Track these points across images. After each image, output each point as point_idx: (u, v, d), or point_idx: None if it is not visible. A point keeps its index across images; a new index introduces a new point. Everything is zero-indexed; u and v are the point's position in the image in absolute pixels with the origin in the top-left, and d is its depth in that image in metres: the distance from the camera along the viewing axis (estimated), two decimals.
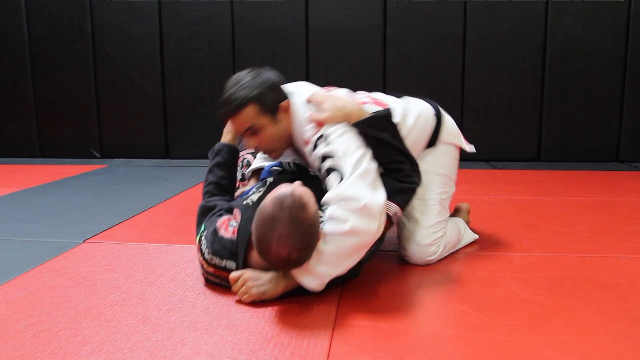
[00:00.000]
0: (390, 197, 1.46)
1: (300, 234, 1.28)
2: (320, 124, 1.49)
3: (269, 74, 1.60)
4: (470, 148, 1.92)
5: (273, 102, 1.56)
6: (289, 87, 1.66)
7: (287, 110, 1.59)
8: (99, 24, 4.37)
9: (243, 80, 1.57)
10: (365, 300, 1.48)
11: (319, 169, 1.49)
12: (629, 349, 1.19)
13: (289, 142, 1.64)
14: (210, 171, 1.77)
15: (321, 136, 1.47)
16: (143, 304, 1.46)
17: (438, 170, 1.80)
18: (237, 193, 1.85)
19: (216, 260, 1.49)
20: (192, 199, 2.82)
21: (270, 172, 1.80)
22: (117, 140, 4.51)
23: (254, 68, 1.62)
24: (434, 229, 1.73)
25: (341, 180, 1.40)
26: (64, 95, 4.48)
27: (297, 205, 1.29)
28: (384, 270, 1.73)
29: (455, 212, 2.11)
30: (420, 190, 1.65)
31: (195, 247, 1.63)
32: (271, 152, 1.65)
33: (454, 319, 1.36)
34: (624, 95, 4.08)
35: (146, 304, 1.46)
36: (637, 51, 4.01)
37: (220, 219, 1.56)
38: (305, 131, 1.53)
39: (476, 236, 1.98)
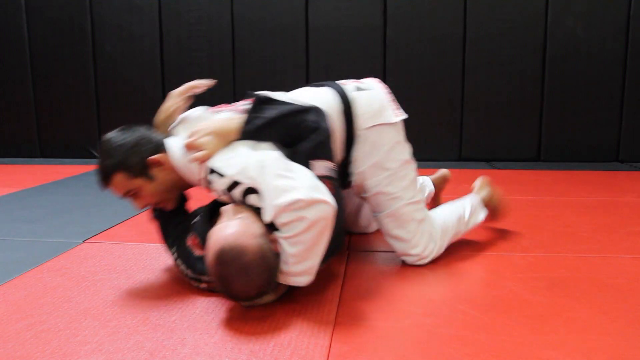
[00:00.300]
0: (312, 157, 1.40)
1: (257, 273, 1.29)
2: (203, 160, 1.40)
3: (132, 134, 1.53)
4: (398, 116, 1.70)
5: (139, 163, 1.50)
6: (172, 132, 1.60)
7: (161, 162, 1.51)
8: (99, 24, 4.37)
9: (106, 147, 1.52)
10: (365, 300, 1.48)
11: (231, 198, 1.39)
12: (629, 349, 1.19)
13: (180, 188, 1.59)
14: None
15: (212, 171, 1.38)
16: (143, 304, 1.46)
17: (383, 165, 1.65)
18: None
19: (206, 277, 1.48)
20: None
21: None
22: None
23: (123, 127, 1.56)
24: (418, 237, 1.69)
25: (259, 194, 1.33)
26: (64, 95, 4.48)
27: (236, 255, 1.26)
28: (384, 270, 1.73)
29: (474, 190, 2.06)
30: (385, 209, 1.67)
31: None
32: (165, 204, 1.59)
33: (454, 319, 1.36)
34: (624, 95, 4.08)
35: (146, 304, 1.46)
36: (637, 51, 4.01)
37: (188, 238, 1.54)
38: (194, 173, 1.45)
39: (482, 215, 1.95)
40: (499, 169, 3.90)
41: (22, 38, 4.43)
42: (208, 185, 1.41)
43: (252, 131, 1.43)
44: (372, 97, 1.69)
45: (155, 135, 1.57)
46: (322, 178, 1.37)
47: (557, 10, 4.02)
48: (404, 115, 1.72)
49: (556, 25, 4.04)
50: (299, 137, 1.42)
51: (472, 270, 1.72)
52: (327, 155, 1.44)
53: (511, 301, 1.47)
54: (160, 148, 1.53)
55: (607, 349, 1.19)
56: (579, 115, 4.13)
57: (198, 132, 1.43)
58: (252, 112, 1.46)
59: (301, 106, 1.48)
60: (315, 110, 1.48)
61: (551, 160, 4.17)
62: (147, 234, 2.16)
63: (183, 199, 1.70)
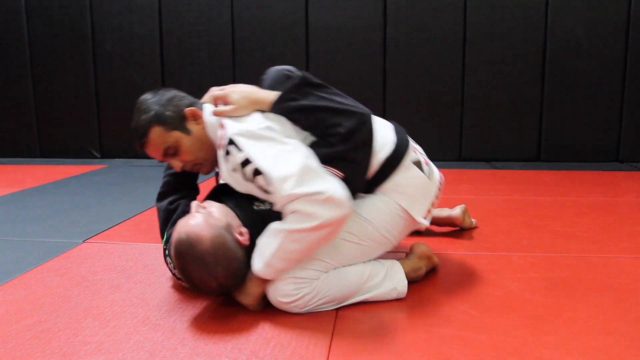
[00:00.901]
0: (325, 163, 1.36)
1: (213, 264, 1.28)
2: (223, 126, 1.40)
3: (165, 93, 1.52)
4: (423, 218, 1.54)
5: (175, 114, 1.48)
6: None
7: (196, 115, 1.49)
8: (99, 24, 4.37)
9: (140, 107, 1.50)
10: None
11: (243, 175, 1.35)
12: (629, 349, 1.19)
13: (214, 153, 1.51)
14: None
15: (230, 140, 1.35)
16: (143, 304, 1.46)
17: (361, 212, 1.46)
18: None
19: None
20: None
21: None
22: (117, 140, 4.50)
23: (155, 89, 1.55)
24: (302, 263, 1.37)
25: (271, 179, 1.29)
26: (64, 95, 4.48)
27: (192, 244, 1.27)
28: None
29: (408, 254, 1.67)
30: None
31: None
32: (200, 167, 1.54)
33: (454, 319, 1.36)
34: (624, 95, 4.08)
35: (146, 304, 1.46)
36: (637, 51, 4.01)
37: None
38: (217, 137, 1.44)
39: (403, 291, 1.49)
40: (499, 169, 3.90)
41: (22, 38, 4.43)
42: (226, 154, 1.37)
43: (282, 110, 1.43)
44: (422, 182, 1.55)
45: (191, 97, 1.57)
46: None
47: (557, 10, 4.02)
48: (427, 224, 1.58)
49: (556, 25, 4.04)
50: (324, 137, 1.41)
51: (472, 270, 1.71)
52: (342, 167, 1.39)
53: (511, 301, 1.47)
54: (196, 104, 1.53)
55: (607, 349, 1.19)
56: (579, 115, 4.13)
57: (231, 88, 1.46)
58: (291, 92, 1.44)
59: (344, 108, 1.42)
60: (359, 117, 1.42)
61: (551, 160, 4.17)
62: (147, 234, 2.16)
63: (194, 192, 1.70)
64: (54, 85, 4.48)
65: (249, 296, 1.38)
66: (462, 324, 1.32)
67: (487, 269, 1.72)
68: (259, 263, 1.33)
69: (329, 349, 1.20)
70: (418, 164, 1.55)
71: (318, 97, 1.44)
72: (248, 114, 1.43)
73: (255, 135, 1.35)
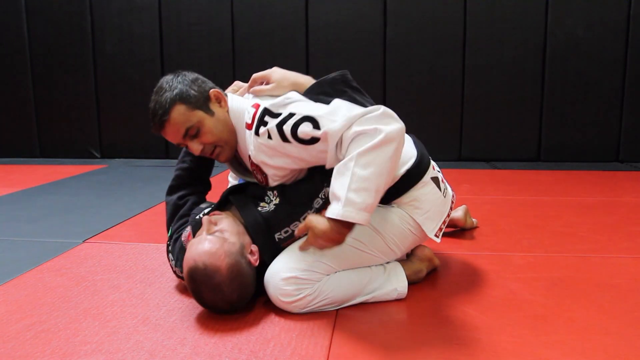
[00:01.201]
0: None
1: (229, 292, 1.30)
2: (257, 105, 1.38)
3: (187, 74, 1.50)
4: (435, 235, 1.53)
5: (199, 94, 1.45)
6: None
7: (220, 98, 1.48)
8: (99, 24, 4.37)
9: (162, 86, 1.46)
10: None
11: (281, 138, 1.31)
12: (629, 349, 1.19)
13: (236, 138, 1.49)
14: (186, 152, 1.68)
15: (265, 109, 1.34)
16: (143, 304, 1.46)
17: (373, 222, 1.39)
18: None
19: None
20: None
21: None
22: (117, 140, 4.50)
23: (176, 72, 1.52)
24: (305, 264, 1.37)
25: (318, 120, 1.27)
26: (64, 95, 4.48)
27: (209, 274, 1.27)
28: None
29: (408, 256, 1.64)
30: None
31: None
32: (220, 152, 1.48)
33: (454, 319, 1.36)
34: (624, 95, 4.08)
35: (146, 304, 1.46)
36: (637, 51, 4.01)
37: (185, 233, 1.52)
38: (245, 116, 1.41)
39: (404, 292, 1.49)
40: (499, 169, 3.90)
41: (22, 38, 4.43)
42: (257, 130, 1.34)
43: (314, 95, 1.44)
44: (438, 199, 1.53)
45: (211, 82, 1.55)
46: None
47: (557, 10, 4.02)
48: (438, 241, 1.56)
49: (556, 25, 4.04)
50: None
51: (472, 270, 1.71)
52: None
53: (511, 301, 1.47)
54: (218, 88, 1.52)
55: (607, 349, 1.19)
56: (579, 115, 4.13)
57: (272, 70, 1.48)
58: (327, 84, 1.45)
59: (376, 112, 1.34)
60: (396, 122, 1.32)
61: (551, 160, 4.17)
62: (147, 234, 2.16)
63: (206, 187, 1.70)
64: (54, 85, 4.48)
65: (330, 242, 1.29)
66: (462, 324, 1.32)
67: (487, 269, 1.72)
68: (337, 207, 1.23)
69: (329, 349, 1.20)
70: (436, 180, 1.54)
71: (351, 97, 1.43)
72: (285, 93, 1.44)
73: (289, 102, 1.36)
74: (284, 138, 1.32)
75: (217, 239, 1.32)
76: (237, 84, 1.64)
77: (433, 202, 1.51)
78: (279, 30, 4.23)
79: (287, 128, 1.30)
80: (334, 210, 1.24)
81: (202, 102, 1.45)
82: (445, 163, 3.86)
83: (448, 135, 4.23)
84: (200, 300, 1.34)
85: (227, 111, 1.48)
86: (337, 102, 1.33)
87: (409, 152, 1.52)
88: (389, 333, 1.29)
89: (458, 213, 2.13)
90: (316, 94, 1.45)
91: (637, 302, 1.45)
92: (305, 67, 4.22)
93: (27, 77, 4.48)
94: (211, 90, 1.48)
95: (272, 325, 1.32)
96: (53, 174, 3.68)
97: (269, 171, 1.42)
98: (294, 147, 1.32)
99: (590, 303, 1.45)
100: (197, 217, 1.51)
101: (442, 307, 1.44)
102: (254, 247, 1.38)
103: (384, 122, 1.24)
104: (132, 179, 3.56)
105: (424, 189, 1.50)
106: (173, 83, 1.45)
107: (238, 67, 4.29)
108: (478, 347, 1.20)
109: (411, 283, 1.52)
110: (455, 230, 2.18)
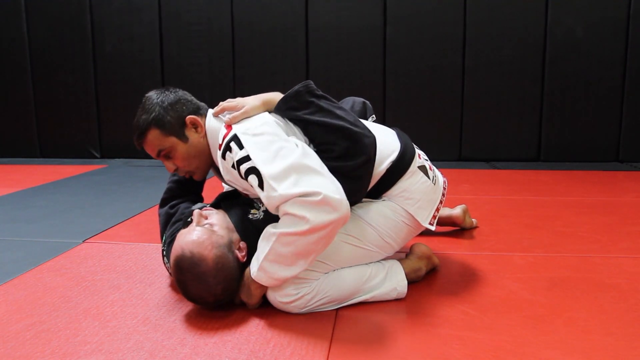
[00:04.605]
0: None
1: (214, 283, 1.30)
2: (229, 127, 1.38)
3: (170, 94, 1.50)
4: (429, 224, 1.55)
5: (174, 121, 1.46)
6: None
7: (196, 124, 1.48)
8: (99, 24, 4.37)
9: (144, 105, 1.48)
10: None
11: (239, 174, 1.33)
12: (629, 349, 1.19)
13: (210, 160, 1.52)
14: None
15: (234, 136, 1.33)
16: (143, 304, 1.46)
17: (366, 217, 1.47)
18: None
19: None
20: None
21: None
22: (117, 140, 4.50)
23: (162, 88, 1.53)
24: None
25: (263, 181, 1.25)
26: (64, 95, 4.48)
27: (195, 263, 1.29)
28: None
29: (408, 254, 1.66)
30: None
31: None
32: (192, 173, 1.53)
33: (454, 319, 1.36)
34: (624, 95, 4.08)
35: (146, 304, 1.46)
36: (637, 51, 4.01)
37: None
38: (219, 136, 1.41)
39: (403, 291, 1.48)
40: (499, 169, 3.90)
41: (22, 38, 4.43)
42: (223, 155, 1.36)
43: (282, 111, 1.44)
44: (428, 187, 1.54)
45: (197, 101, 1.55)
46: None
47: (557, 10, 4.02)
48: (433, 229, 1.58)
49: (556, 25, 4.04)
50: (318, 152, 1.37)
51: (472, 270, 1.71)
52: (345, 182, 1.32)
53: (511, 301, 1.47)
54: (201, 110, 1.52)
55: (607, 349, 1.19)
56: (579, 115, 4.13)
57: (240, 99, 1.46)
58: (291, 99, 1.43)
59: (341, 125, 1.36)
60: (357, 136, 1.36)
61: (551, 160, 4.17)
62: (147, 234, 2.16)
63: (198, 198, 1.71)
64: (54, 85, 4.48)
65: (251, 297, 1.38)
66: (462, 324, 1.32)
67: (487, 269, 1.72)
68: (254, 267, 1.33)
69: (329, 349, 1.20)
70: (423, 169, 1.55)
71: (318, 107, 1.41)
72: (258, 113, 1.44)
73: (258, 132, 1.33)
74: (240, 175, 1.33)
75: (206, 230, 1.35)
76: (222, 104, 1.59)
77: (423, 191, 1.52)
78: (279, 30, 4.23)
79: (242, 168, 1.31)
80: (252, 269, 1.33)
81: (176, 129, 1.47)
82: (445, 163, 3.87)
83: (448, 135, 4.23)
84: (184, 290, 1.34)
85: (204, 134, 1.49)
86: (290, 163, 1.25)
87: (392, 145, 1.53)
88: (388, 333, 1.29)
89: (456, 211, 2.13)
90: (284, 110, 1.44)
91: (637, 302, 1.45)
92: (305, 67, 4.23)
93: (27, 77, 4.48)
94: (187, 117, 1.48)
95: (272, 325, 1.32)
96: (53, 174, 3.68)
97: (239, 188, 1.47)
98: (249, 184, 1.33)
99: (590, 303, 1.45)
100: (190, 210, 1.53)
101: (442, 307, 1.44)
102: (243, 244, 1.38)
103: (317, 210, 1.20)
104: (132, 179, 3.56)
105: (413, 179, 1.51)
106: (153, 104, 1.47)
107: (238, 67, 4.29)
108: (478, 347, 1.20)
109: (410, 282, 1.52)
110: (454, 229, 2.18)
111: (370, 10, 4.16)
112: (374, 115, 1.83)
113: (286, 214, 1.23)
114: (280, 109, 1.45)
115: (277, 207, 1.25)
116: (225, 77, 4.29)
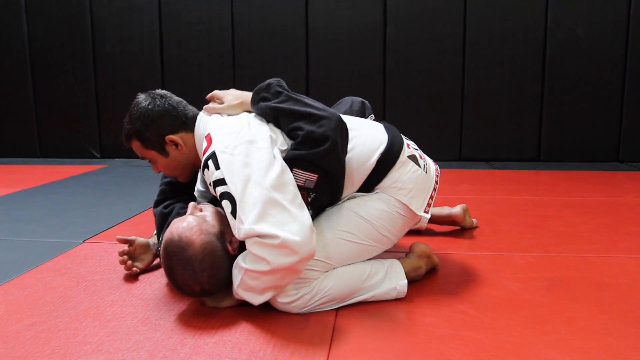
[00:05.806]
0: (299, 167, 1.35)
1: (199, 269, 1.31)
2: (209, 140, 1.38)
3: (155, 108, 1.51)
4: (423, 212, 1.54)
5: (154, 138, 1.51)
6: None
7: (178, 144, 1.51)
8: (99, 24, 4.37)
9: (131, 111, 1.53)
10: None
11: (214, 192, 1.34)
12: (629, 349, 1.19)
13: (194, 168, 1.59)
14: None
15: (212, 154, 1.33)
16: (143, 304, 1.46)
17: (360, 211, 1.47)
18: None
19: None
20: None
21: None
22: (117, 140, 4.45)
23: (151, 93, 1.55)
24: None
25: (237, 210, 1.26)
26: (64, 95, 4.48)
27: (182, 247, 1.30)
28: None
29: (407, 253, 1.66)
30: (322, 224, 1.45)
31: None
32: (177, 177, 1.63)
33: (454, 319, 1.36)
34: (624, 95, 4.08)
35: (146, 304, 1.46)
36: (637, 51, 4.01)
37: None
38: (202, 149, 1.42)
39: (403, 290, 1.48)
40: (499, 169, 3.90)
41: (22, 38, 4.43)
42: (203, 170, 1.37)
43: (257, 110, 1.48)
44: (420, 176, 1.53)
45: (190, 110, 1.57)
46: (300, 189, 1.33)
47: (557, 10, 4.02)
48: (428, 217, 1.56)
49: (556, 25, 4.04)
50: (297, 142, 1.39)
51: (472, 270, 1.72)
52: (316, 169, 1.36)
53: (511, 301, 1.47)
54: (187, 124, 1.53)
55: (607, 349, 1.19)
56: (579, 115, 4.13)
57: (227, 91, 1.53)
58: (263, 90, 1.48)
59: (307, 111, 1.39)
60: (323, 120, 1.38)
61: (551, 160, 4.17)
62: (147, 234, 2.16)
63: (190, 197, 1.70)
64: (54, 85, 4.48)
65: (221, 302, 1.42)
66: (462, 324, 1.32)
67: (487, 269, 1.72)
68: (234, 286, 1.34)
69: (329, 349, 1.20)
70: (414, 158, 1.55)
71: (288, 96, 1.45)
72: (237, 114, 1.50)
73: (236, 152, 1.32)
74: (216, 195, 1.34)
75: (197, 218, 1.36)
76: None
77: (415, 180, 1.52)
78: (279, 30, 4.23)
79: (217, 190, 1.31)
80: (234, 287, 1.34)
81: (156, 145, 1.53)
82: (445, 163, 3.87)
83: (448, 135, 4.24)
84: (171, 277, 1.34)
85: (185, 151, 1.54)
86: (258, 195, 1.24)
87: (380, 137, 1.53)
88: (389, 333, 1.29)
89: (456, 209, 2.13)
90: (257, 102, 1.48)
91: (637, 302, 1.45)
92: (305, 67, 4.22)
93: (27, 77, 4.48)
94: (167, 137, 1.51)
95: (272, 326, 1.32)
96: (53, 174, 3.68)
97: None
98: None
99: (590, 303, 1.45)
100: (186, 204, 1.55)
101: (442, 307, 1.44)
102: (235, 239, 1.36)
103: (275, 254, 1.20)
104: (132, 179, 3.56)
105: (403, 169, 1.51)
106: (137, 117, 1.52)
107: (238, 67, 4.29)
108: (478, 347, 1.20)
109: (411, 281, 1.52)
110: (454, 229, 2.18)
111: (370, 10, 4.16)
112: (372, 115, 1.84)
113: (249, 251, 1.26)
114: (254, 101, 1.48)
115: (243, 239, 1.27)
116: (225, 77, 4.28)
